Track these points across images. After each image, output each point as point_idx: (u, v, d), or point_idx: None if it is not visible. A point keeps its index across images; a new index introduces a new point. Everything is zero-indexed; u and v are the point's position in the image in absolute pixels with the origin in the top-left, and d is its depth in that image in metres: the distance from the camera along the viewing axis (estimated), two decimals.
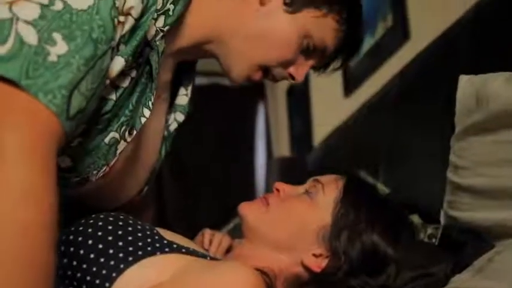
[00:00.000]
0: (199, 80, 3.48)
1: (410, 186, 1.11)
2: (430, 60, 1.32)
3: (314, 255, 0.77)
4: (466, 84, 0.76)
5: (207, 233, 1.12)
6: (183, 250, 0.72)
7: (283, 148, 3.36)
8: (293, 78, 0.81)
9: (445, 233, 0.77)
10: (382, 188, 1.16)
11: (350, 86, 2.18)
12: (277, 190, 0.84)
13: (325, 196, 0.80)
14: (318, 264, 0.76)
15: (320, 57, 0.80)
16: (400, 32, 1.74)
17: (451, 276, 0.67)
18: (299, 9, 0.75)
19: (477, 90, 0.73)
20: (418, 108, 1.27)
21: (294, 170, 2.09)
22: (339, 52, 0.81)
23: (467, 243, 0.70)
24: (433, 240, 0.84)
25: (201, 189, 3.15)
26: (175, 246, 0.72)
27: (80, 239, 0.68)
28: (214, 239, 0.98)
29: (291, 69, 0.79)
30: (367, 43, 2.03)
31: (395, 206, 0.85)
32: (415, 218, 0.95)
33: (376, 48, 1.95)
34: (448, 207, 0.74)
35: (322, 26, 0.76)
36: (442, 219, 0.77)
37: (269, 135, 3.49)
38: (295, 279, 0.78)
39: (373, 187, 0.90)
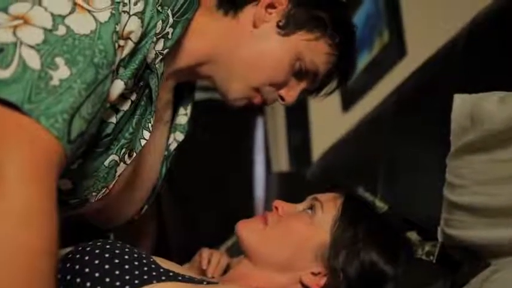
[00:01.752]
0: (197, 95, 3.47)
1: (408, 202, 1.11)
2: (427, 76, 1.33)
3: (313, 273, 0.77)
4: (460, 103, 0.77)
5: (205, 252, 1.11)
6: (179, 278, 0.73)
7: (282, 162, 3.36)
8: (283, 99, 0.82)
9: (443, 251, 0.77)
10: (381, 204, 1.17)
11: (348, 101, 2.19)
12: (276, 208, 0.85)
13: (323, 214, 0.80)
14: (317, 283, 0.76)
15: (312, 81, 0.82)
16: (396, 49, 1.75)
17: None
18: (292, 32, 0.77)
19: (471, 110, 0.74)
20: (415, 124, 1.28)
21: (293, 185, 2.09)
22: (331, 76, 0.83)
23: (464, 262, 0.70)
24: (431, 257, 0.84)
25: (199, 204, 3.14)
26: (171, 274, 0.72)
27: (77, 267, 0.68)
28: (212, 259, 0.98)
29: (282, 91, 0.82)
30: (364, 59, 2.05)
31: (394, 224, 0.86)
32: (413, 235, 0.95)
33: (373, 64, 1.97)
34: (445, 225, 0.75)
35: (315, 50, 0.78)
36: (439, 237, 0.78)
37: (268, 149, 3.49)
38: None
39: (371, 205, 0.91)
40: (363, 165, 1.50)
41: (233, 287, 0.74)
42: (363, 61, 2.07)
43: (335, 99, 2.34)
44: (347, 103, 2.21)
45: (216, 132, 3.39)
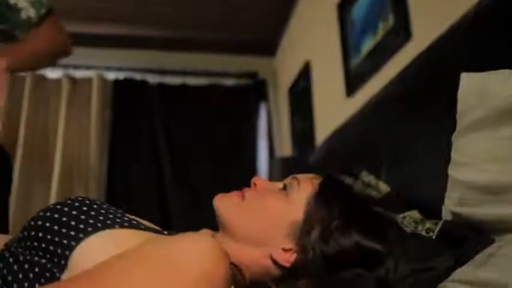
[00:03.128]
0: (201, 81, 3.52)
1: (412, 184, 1.11)
2: (432, 59, 1.33)
3: (284, 249, 0.79)
4: (467, 81, 0.77)
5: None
6: (142, 227, 0.76)
7: (285, 148, 3.37)
8: None
9: (444, 228, 0.78)
10: (384, 186, 1.18)
11: (352, 86, 2.19)
12: (255, 184, 0.88)
13: (299, 193, 0.83)
14: (287, 259, 0.78)
15: None
16: (401, 33, 1.75)
17: (452, 270, 0.67)
18: None
19: (478, 88, 0.74)
20: (420, 107, 1.28)
21: (296, 170, 2.10)
22: None
23: (467, 238, 0.70)
24: (431, 234, 0.84)
25: (203, 189, 3.16)
26: (135, 222, 0.76)
27: (47, 214, 0.73)
28: None
29: None
30: (369, 44, 2.05)
31: (393, 206, 0.87)
32: (415, 214, 0.96)
33: (378, 49, 1.96)
34: (450, 203, 0.75)
35: None
36: (444, 215, 0.78)
37: (271, 134, 3.50)
38: (264, 272, 0.81)
39: (350, 188, 0.93)
40: (366, 149, 1.51)
41: (194, 236, 0.73)
42: (367, 46, 2.07)
43: (339, 84, 2.34)
44: (351, 88, 2.21)
45: (219, 118, 3.40)
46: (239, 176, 3.06)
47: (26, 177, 3.03)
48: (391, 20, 1.84)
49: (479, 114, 0.73)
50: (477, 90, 0.74)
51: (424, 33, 1.62)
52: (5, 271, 0.70)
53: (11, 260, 0.71)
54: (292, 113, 3.23)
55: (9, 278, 0.69)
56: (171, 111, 3.35)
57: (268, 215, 0.82)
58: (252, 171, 3.36)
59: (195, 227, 1.20)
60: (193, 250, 0.66)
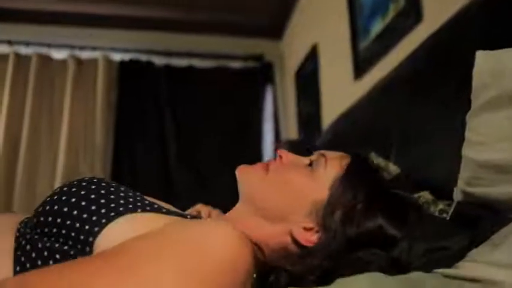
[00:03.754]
0: (208, 63, 3.50)
1: (422, 165, 1.10)
2: (443, 40, 1.31)
3: (305, 228, 0.75)
4: (482, 59, 0.76)
5: (204, 207, 1.11)
6: (164, 210, 0.74)
7: (291, 131, 3.36)
8: None
9: (458, 208, 0.77)
10: (394, 167, 1.17)
11: (360, 69, 2.17)
12: (280, 157, 0.83)
13: (326, 171, 0.78)
14: (307, 238, 0.74)
15: None
16: (412, 14, 1.72)
17: (467, 250, 0.66)
18: None
19: (493, 66, 0.72)
20: (431, 88, 1.26)
21: (302, 153, 2.09)
22: None
23: (482, 218, 0.69)
24: (444, 215, 0.83)
25: (207, 170, 3.16)
26: (156, 206, 0.74)
27: (64, 197, 0.70)
28: (212, 213, 0.98)
29: None
30: (378, 26, 2.02)
31: (404, 187, 0.83)
32: (426, 194, 0.95)
33: (387, 31, 1.94)
34: (463, 184, 0.74)
35: None
36: (456, 196, 0.77)
37: (277, 118, 3.49)
38: (281, 249, 0.76)
39: (377, 170, 0.86)
40: (375, 131, 1.50)
41: (217, 221, 0.71)
42: (376, 28, 2.04)
43: (347, 67, 2.32)
44: (359, 71, 2.19)
45: (226, 101, 3.39)
46: (244, 158, 3.05)
47: (31, 157, 3.04)
48: (402, 1, 1.81)
49: (494, 92, 0.71)
50: (492, 68, 0.72)
51: (435, 15, 1.59)
52: (22, 259, 0.68)
53: (28, 247, 0.68)
54: (299, 97, 3.21)
55: (28, 266, 0.67)
56: (177, 92, 3.34)
57: (292, 191, 0.78)
58: (257, 153, 3.36)
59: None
60: (220, 235, 0.62)
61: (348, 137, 1.74)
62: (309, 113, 2.95)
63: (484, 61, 0.75)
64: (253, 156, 3.26)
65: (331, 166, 0.78)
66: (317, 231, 0.74)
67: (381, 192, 0.77)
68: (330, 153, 0.81)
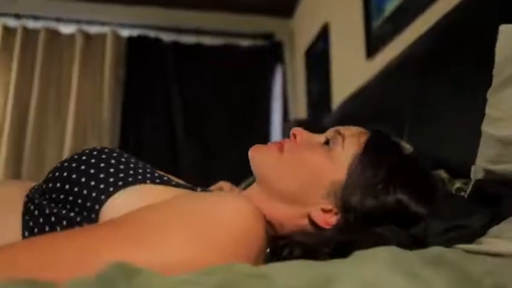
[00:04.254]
0: (216, 41, 3.47)
1: (436, 144, 1.09)
2: (460, 17, 1.28)
3: (323, 210, 0.72)
4: (505, 34, 0.73)
5: (226, 184, 1.10)
6: (173, 183, 0.73)
7: (300, 110, 3.34)
8: None
9: (477, 187, 0.75)
10: (407, 145, 1.15)
11: (372, 48, 2.14)
12: (294, 136, 0.78)
13: (344, 150, 0.73)
14: (326, 220, 0.71)
15: None
16: None
17: (488, 227, 0.64)
18: None
19: None
20: (445, 67, 1.24)
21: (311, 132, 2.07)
22: None
23: (503, 196, 0.67)
24: (462, 193, 0.82)
25: (216, 149, 3.16)
26: (165, 178, 0.73)
27: (73, 165, 0.70)
28: (234, 191, 0.97)
29: None
30: (392, 5, 1.98)
31: (423, 163, 0.78)
32: (442, 173, 0.93)
33: (401, 10, 1.90)
34: (484, 161, 0.72)
35: None
36: (475, 174, 0.75)
37: (286, 97, 3.46)
38: (298, 230, 0.73)
39: (398, 145, 0.80)
40: (387, 110, 1.48)
41: (230, 194, 0.69)
42: (390, 7, 2.00)
43: (359, 46, 2.28)
44: (371, 51, 2.15)
45: (234, 79, 3.37)
46: (252, 137, 3.05)
47: (39, 131, 3.04)
48: None
49: None
50: None
51: None
52: (30, 223, 0.68)
53: (36, 212, 0.68)
54: (308, 76, 3.18)
55: (36, 231, 0.67)
56: (185, 69, 3.32)
57: (308, 172, 0.73)
58: (265, 132, 3.35)
59: (206, 183, 1.20)
60: (233, 207, 0.61)
61: (359, 116, 1.72)
62: (318, 92, 2.92)
63: (508, 35, 0.73)
64: (261, 135, 3.24)
65: (349, 144, 0.74)
66: (335, 213, 0.71)
67: (403, 168, 0.73)
68: (347, 130, 0.77)
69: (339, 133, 0.76)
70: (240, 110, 3.33)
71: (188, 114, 3.24)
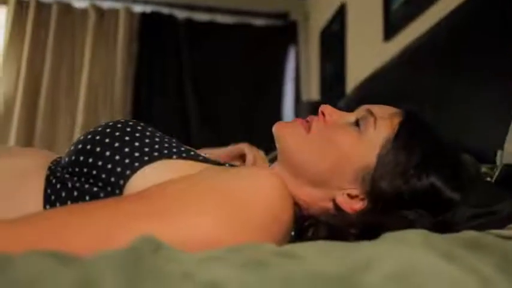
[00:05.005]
0: (228, 19, 3.42)
1: (459, 129, 1.07)
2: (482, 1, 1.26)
3: (349, 195, 0.69)
4: None
5: (249, 147, 1.02)
6: (200, 158, 0.71)
7: (313, 92, 3.30)
8: None
9: (505, 171, 0.73)
10: None
11: (391, 30, 2.10)
12: (323, 114, 0.73)
13: (375, 133, 0.69)
14: (351, 206, 0.68)
15: None
16: None
17: None
18: None
19: None
20: (467, 51, 1.21)
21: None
22: None
23: None
24: (488, 179, 0.80)
25: (228, 129, 3.15)
26: (192, 153, 0.71)
27: (97, 137, 0.68)
28: (258, 160, 0.94)
29: None
30: None
31: (456, 147, 0.76)
32: (467, 158, 0.91)
33: None
34: None
35: None
36: (503, 159, 0.73)
37: (299, 78, 3.43)
38: (321, 213, 0.70)
39: (432, 128, 0.74)
40: (407, 94, 1.45)
41: (262, 170, 0.66)
42: None
43: (377, 27, 2.24)
44: (390, 33, 2.11)
45: (247, 58, 3.33)
46: (264, 117, 3.04)
47: (51, 108, 3.04)
48: None
49: None
50: None
51: None
52: (52, 197, 0.66)
53: (58, 186, 0.67)
54: (323, 58, 3.13)
55: (57, 205, 0.66)
56: (198, 47, 3.29)
57: (336, 154, 0.69)
58: (277, 112, 3.32)
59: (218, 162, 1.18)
60: (268, 186, 0.59)
61: (376, 100, 1.69)
62: (332, 74, 2.88)
63: None
64: (272, 115, 3.22)
65: (381, 126, 0.69)
66: (362, 200, 0.68)
67: (437, 153, 0.69)
68: (379, 110, 0.72)
69: (371, 113, 0.71)
70: (251, 89, 3.31)
71: (200, 93, 3.22)
